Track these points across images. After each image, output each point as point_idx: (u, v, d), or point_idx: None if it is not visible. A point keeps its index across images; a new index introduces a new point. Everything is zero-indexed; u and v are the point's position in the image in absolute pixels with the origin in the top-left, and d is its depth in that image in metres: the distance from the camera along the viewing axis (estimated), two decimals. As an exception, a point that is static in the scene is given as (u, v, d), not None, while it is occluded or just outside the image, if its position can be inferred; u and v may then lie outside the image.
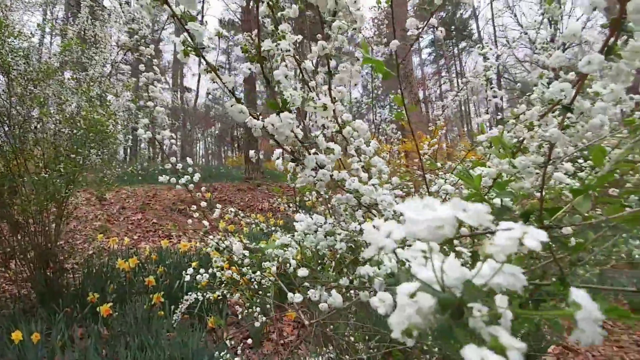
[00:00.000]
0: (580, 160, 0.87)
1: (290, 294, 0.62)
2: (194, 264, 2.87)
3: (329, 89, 0.54)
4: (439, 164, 1.35)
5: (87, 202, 5.39)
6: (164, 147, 1.03)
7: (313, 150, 0.55)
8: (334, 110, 0.51)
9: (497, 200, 0.49)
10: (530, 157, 0.47)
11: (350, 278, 0.52)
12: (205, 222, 1.38)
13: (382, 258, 0.35)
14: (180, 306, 1.76)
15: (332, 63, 0.54)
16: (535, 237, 0.17)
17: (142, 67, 1.00)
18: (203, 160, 26.80)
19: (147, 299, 2.42)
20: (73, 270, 3.02)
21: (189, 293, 1.74)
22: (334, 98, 0.54)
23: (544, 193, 0.46)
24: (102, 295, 2.47)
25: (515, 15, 15.86)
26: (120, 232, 5.12)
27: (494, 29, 16.78)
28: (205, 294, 1.75)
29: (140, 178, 6.75)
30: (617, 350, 2.34)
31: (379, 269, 0.35)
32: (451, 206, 0.18)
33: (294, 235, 0.63)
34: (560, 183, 0.55)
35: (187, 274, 1.39)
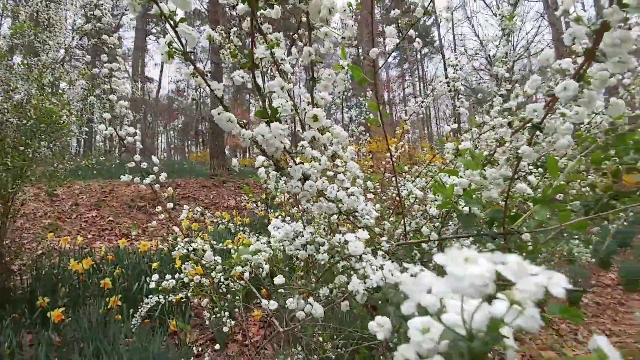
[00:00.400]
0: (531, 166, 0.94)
1: (264, 301, 0.62)
2: (154, 264, 2.74)
3: (312, 95, 0.54)
4: (406, 167, 1.40)
5: (36, 198, 4.94)
6: (127, 143, 0.97)
7: (298, 159, 0.55)
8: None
9: (466, 208, 0.52)
10: (501, 170, 0.51)
11: (330, 287, 0.53)
12: (170, 223, 1.32)
13: (367, 272, 0.36)
14: (140, 310, 1.68)
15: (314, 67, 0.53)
16: (559, 284, 0.18)
17: (104, 57, 0.94)
18: (165, 154, 25.56)
19: (103, 303, 2.27)
20: (21, 272, 2.76)
21: (150, 296, 1.66)
22: (316, 104, 0.54)
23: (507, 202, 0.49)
24: (53, 299, 2.29)
25: (473, 27, 16.87)
26: (72, 230, 4.75)
27: (454, 37, 17.65)
28: (167, 296, 1.68)
29: (95, 172, 6.30)
30: (557, 338, 2.57)
31: (365, 282, 0.36)
32: (490, 260, 0.18)
33: (269, 242, 0.63)
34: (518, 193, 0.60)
35: (151, 280, 1.31)
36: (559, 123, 0.44)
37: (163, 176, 1.11)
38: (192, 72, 0.50)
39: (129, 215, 5.60)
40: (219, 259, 0.87)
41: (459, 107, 1.01)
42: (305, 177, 0.54)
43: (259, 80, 0.48)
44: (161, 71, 20.18)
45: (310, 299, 0.50)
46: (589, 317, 3.16)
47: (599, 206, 0.63)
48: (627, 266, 3.98)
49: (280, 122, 0.49)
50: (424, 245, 0.72)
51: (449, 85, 1.11)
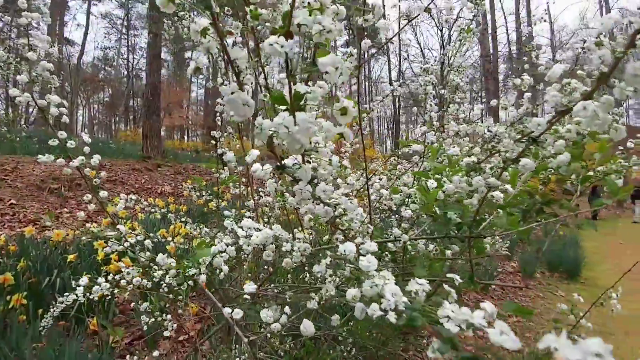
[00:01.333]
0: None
1: (227, 310, 0.55)
2: (71, 257, 2.39)
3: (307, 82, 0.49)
4: (369, 165, 1.42)
5: None
6: (49, 116, 0.80)
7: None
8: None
9: (446, 213, 0.53)
10: (490, 178, 0.52)
11: (317, 300, 0.49)
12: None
13: (384, 292, 0.33)
14: (52, 309, 1.44)
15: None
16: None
17: (22, 3, 0.75)
18: (86, 130, 22.57)
19: (3, 302, 1.92)
20: None
21: (65, 293, 1.43)
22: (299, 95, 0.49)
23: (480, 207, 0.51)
24: None
25: (416, 35, 18.03)
26: (-43, 214, 3.94)
27: (399, 42, 18.63)
28: (86, 293, 1.47)
29: (47, 145, 5.27)
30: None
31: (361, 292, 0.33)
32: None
33: (238, 245, 0.55)
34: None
35: (77, 285, 1.07)
36: (560, 142, 0.46)
37: (96, 158, 0.95)
38: (204, 29, 0.37)
39: (37, 199, 4.82)
40: (173, 262, 0.75)
41: (428, 110, 1.04)
42: (312, 179, 0.47)
43: (293, 52, 0.36)
44: (85, 34, 17.54)
45: (305, 321, 0.46)
46: (495, 300, 3.64)
47: (534, 211, 0.69)
48: (525, 257, 4.74)
49: (306, 111, 0.40)
50: (389, 244, 0.73)
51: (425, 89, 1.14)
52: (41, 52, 0.88)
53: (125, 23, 20.56)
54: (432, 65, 1.11)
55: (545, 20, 1.47)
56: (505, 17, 17.53)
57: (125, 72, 21.74)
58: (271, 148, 0.44)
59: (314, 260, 0.53)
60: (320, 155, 0.47)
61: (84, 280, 1.04)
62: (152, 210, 3.16)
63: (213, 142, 1.40)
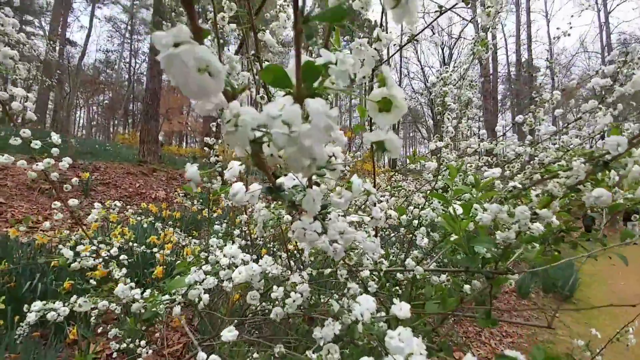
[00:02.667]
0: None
1: (202, 356, 0.48)
2: (55, 261, 2.31)
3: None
4: (367, 180, 1.37)
5: None
6: (12, 110, 0.75)
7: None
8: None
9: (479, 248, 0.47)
10: (543, 210, 0.46)
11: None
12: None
13: None
14: (27, 317, 1.36)
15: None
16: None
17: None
18: (84, 131, 22.47)
19: (-23, 307, 1.83)
20: None
21: (44, 302, 1.35)
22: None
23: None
24: None
25: (417, 52, 18.39)
26: (-58, 211, 3.83)
27: (400, 59, 18.92)
28: (67, 301, 1.39)
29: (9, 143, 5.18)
30: (464, 339, 2.84)
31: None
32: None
33: (217, 272, 0.49)
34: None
35: (30, 311, 0.95)
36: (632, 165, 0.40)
37: (66, 162, 0.89)
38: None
39: (27, 199, 4.72)
40: (137, 294, 0.67)
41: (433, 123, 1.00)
42: (323, 208, 0.33)
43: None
44: (88, 36, 17.67)
45: None
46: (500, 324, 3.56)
47: (552, 239, 0.64)
48: (521, 277, 4.68)
49: (324, 99, 0.25)
50: (398, 275, 0.67)
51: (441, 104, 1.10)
52: (40, 50, 0.84)
53: (129, 27, 20.76)
54: (450, 74, 1.06)
55: (569, 35, 1.45)
56: (505, 39, 17.92)
57: (127, 76, 21.82)
58: (258, 161, 0.28)
59: (313, 308, 0.47)
60: (336, 174, 0.33)
61: (36, 305, 0.94)
62: (143, 217, 3.08)
63: (206, 149, 1.35)
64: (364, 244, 0.41)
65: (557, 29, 1.46)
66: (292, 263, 1.03)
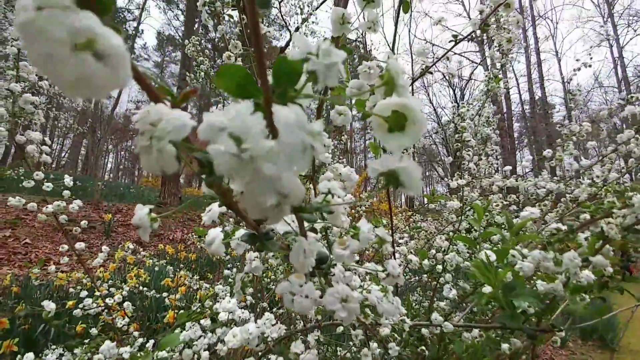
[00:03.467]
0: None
1: None
2: (70, 303, 2.30)
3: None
4: (384, 221, 1.34)
5: None
6: (28, 153, 0.78)
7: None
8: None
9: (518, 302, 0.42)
10: (598, 257, 0.41)
11: None
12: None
13: None
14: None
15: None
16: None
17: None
18: (111, 175, 23.63)
19: (-8, 349, 1.81)
20: None
21: (53, 347, 1.32)
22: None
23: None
24: None
25: (428, 94, 18.95)
26: (-28, 252, 3.97)
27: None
28: (80, 345, 1.35)
29: (21, 185, 5.50)
30: None
31: None
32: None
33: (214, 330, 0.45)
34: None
35: None
36: None
37: (76, 204, 0.90)
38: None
39: (52, 240, 4.86)
40: (126, 351, 0.62)
41: (447, 164, 0.98)
42: (321, 263, 0.26)
43: None
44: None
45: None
46: None
47: (596, 285, 0.58)
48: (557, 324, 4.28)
49: (300, 105, 0.17)
50: (423, 330, 0.60)
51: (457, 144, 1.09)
52: (79, 101, 0.90)
53: (158, 80, 22.74)
54: (467, 109, 1.05)
55: (590, 66, 1.44)
56: (516, 79, 18.22)
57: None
58: (226, 200, 0.21)
59: None
60: (336, 219, 0.26)
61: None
62: (158, 260, 3.08)
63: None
64: (380, 307, 0.33)
65: (577, 60, 1.45)
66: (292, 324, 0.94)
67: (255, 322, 0.43)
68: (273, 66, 0.17)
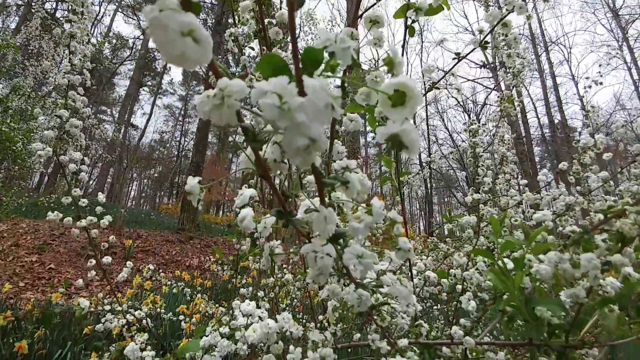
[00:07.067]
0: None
1: None
2: (87, 328, 2.31)
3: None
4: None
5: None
6: (67, 172, 0.83)
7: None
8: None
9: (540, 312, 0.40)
10: (616, 256, 0.39)
11: None
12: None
13: None
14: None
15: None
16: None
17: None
18: (133, 202, 24.42)
19: (9, 373, 1.83)
20: None
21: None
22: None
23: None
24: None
25: (443, 120, 18.97)
26: (2, 275, 4.11)
27: (427, 127, 19.53)
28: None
29: (52, 206, 5.75)
30: None
31: None
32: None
33: (231, 328, 0.46)
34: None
35: None
36: None
37: (106, 220, 0.95)
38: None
39: (75, 265, 4.98)
40: (150, 355, 0.63)
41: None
42: (335, 239, 0.28)
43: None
44: (148, 120, 20.54)
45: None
46: None
47: (635, 308, 0.54)
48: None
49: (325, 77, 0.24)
50: (444, 349, 0.57)
51: (422, 170, 1.10)
52: (108, 132, 0.98)
53: (182, 112, 23.96)
54: (478, 126, 1.06)
55: (601, 83, 1.44)
56: (533, 103, 18.05)
57: (176, 152, 24.36)
58: (261, 168, 0.25)
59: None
60: (351, 193, 0.30)
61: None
62: (176, 284, 3.08)
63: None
64: (393, 289, 0.34)
65: (587, 78, 1.47)
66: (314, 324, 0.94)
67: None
68: (302, 54, 0.23)
